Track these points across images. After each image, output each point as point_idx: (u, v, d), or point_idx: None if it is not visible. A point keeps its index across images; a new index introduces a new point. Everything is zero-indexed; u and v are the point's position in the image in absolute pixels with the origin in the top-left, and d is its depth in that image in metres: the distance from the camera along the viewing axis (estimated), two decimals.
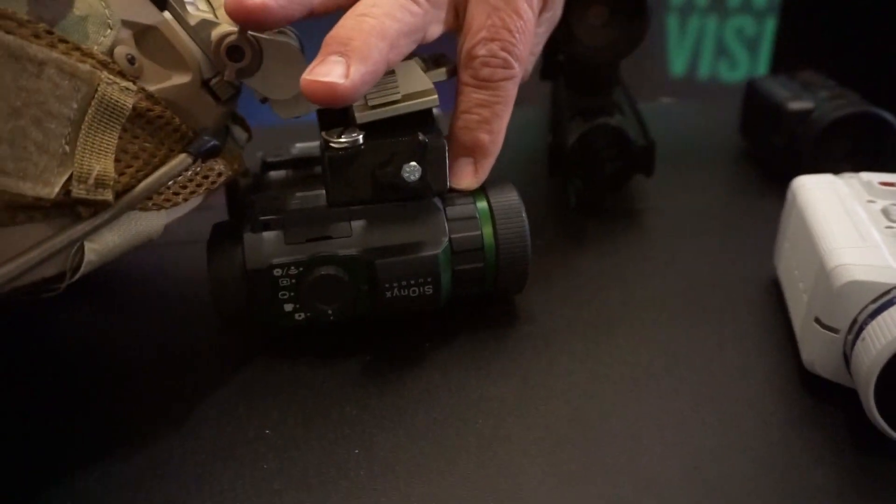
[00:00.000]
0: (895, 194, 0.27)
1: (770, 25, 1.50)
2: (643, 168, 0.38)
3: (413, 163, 0.26)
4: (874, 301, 0.22)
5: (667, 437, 0.24)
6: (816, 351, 0.24)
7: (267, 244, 0.26)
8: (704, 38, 1.59)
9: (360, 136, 0.27)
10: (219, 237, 0.27)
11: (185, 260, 0.31)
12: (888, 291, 0.22)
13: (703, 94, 1.55)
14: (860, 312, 0.22)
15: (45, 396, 0.27)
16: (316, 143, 0.31)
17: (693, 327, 0.29)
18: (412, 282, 0.27)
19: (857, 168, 0.39)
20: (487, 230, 0.28)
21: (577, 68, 0.41)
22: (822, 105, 0.40)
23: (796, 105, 0.41)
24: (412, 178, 0.26)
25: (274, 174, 0.32)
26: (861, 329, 0.22)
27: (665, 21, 1.57)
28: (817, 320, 0.24)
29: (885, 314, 0.21)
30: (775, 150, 0.42)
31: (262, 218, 0.27)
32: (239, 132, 0.30)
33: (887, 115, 0.38)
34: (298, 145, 0.34)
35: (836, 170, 0.39)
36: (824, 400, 0.24)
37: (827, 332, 0.23)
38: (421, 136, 0.26)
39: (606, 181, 0.38)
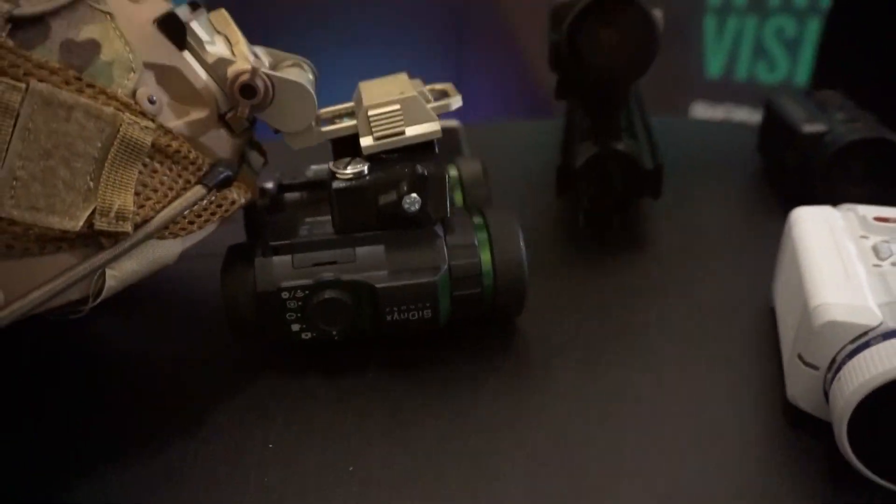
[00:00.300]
0: (888, 230, 0.27)
1: (812, 27, 1.47)
2: (651, 191, 0.39)
3: (413, 194, 0.28)
4: (852, 342, 0.22)
5: (646, 465, 0.25)
6: (799, 386, 0.25)
7: (276, 268, 0.28)
8: (742, 38, 1.56)
9: (365, 168, 0.29)
10: (233, 259, 0.29)
11: (204, 272, 0.33)
12: (865, 333, 0.22)
13: (740, 97, 1.53)
14: (839, 352, 0.23)
15: (59, 402, 0.29)
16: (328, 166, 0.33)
17: (687, 354, 0.30)
18: (412, 306, 0.28)
19: (871, 192, 0.39)
20: (486, 257, 0.29)
21: (589, 88, 0.42)
22: (836, 128, 0.40)
23: (810, 127, 0.41)
24: (412, 208, 0.28)
25: (289, 196, 0.34)
26: (839, 368, 0.22)
27: (702, 21, 1.54)
28: (800, 356, 0.24)
29: (860, 356, 0.21)
30: (789, 172, 0.42)
31: (273, 243, 0.29)
32: (255, 158, 0.32)
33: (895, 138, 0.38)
34: (313, 167, 0.35)
35: (849, 194, 0.39)
36: (807, 433, 0.25)
37: (808, 368, 0.24)
38: (420, 169, 0.28)
39: (614, 204, 0.39)
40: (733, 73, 1.56)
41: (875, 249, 0.26)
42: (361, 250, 0.29)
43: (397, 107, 0.29)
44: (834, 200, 0.39)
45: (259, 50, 0.31)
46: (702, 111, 1.57)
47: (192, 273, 0.36)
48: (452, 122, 0.64)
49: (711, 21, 1.54)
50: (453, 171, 0.35)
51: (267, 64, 0.31)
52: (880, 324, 0.22)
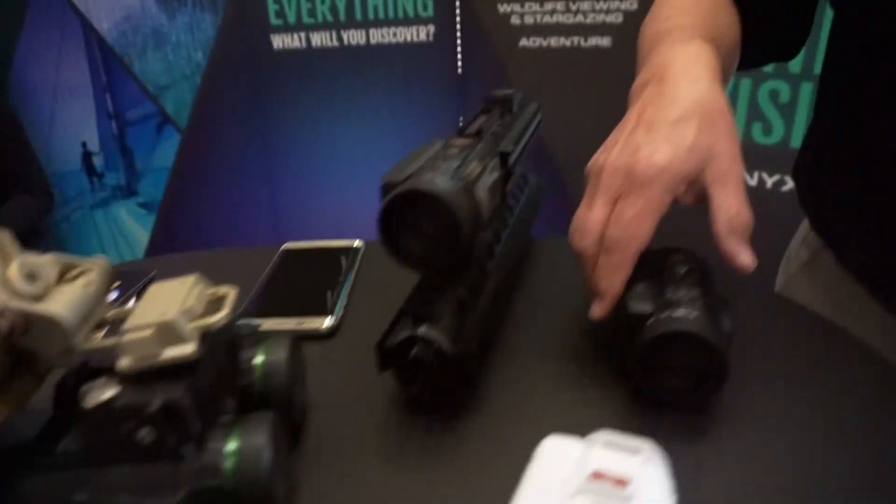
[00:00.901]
0: (598, 490, 0.27)
1: (806, 90, 1.45)
2: (458, 379, 0.39)
3: (145, 429, 0.29)
4: None
5: None
6: None
7: (23, 489, 0.30)
8: (737, 100, 1.55)
9: (114, 392, 0.30)
10: None
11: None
12: None
13: None
14: None
15: None
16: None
17: None
18: None
19: (687, 385, 0.39)
20: (231, 477, 0.30)
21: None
22: (658, 313, 0.39)
23: (635, 307, 0.41)
24: (146, 440, 0.29)
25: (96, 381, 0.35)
26: None
27: None
28: None
29: None
30: (621, 347, 0.42)
31: (25, 459, 0.30)
32: (46, 353, 0.33)
33: (709, 335, 0.37)
34: None
35: (667, 385, 0.39)
36: None
37: None
38: (157, 402, 0.29)
39: (425, 390, 0.39)
40: None
41: None
42: (107, 472, 0.30)
43: (152, 331, 0.30)
44: (652, 389, 0.39)
45: (48, 260, 0.33)
46: None
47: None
48: (354, 243, 0.65)
49: None
50: (259, 358, 0.37)
51: (53, 276, 0.32)
52: None
